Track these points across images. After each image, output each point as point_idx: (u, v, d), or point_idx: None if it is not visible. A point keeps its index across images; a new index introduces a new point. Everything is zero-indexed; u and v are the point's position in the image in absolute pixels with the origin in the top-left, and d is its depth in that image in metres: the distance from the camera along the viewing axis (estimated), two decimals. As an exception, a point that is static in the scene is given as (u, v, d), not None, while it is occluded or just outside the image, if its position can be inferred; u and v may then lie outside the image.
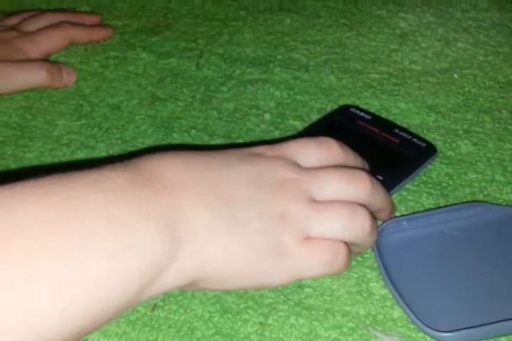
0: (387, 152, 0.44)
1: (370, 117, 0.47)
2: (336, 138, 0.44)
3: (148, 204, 0.29)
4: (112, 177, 0.30)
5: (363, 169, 0.38)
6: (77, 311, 0.26)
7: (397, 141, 0.44)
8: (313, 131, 0.46)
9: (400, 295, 0.34)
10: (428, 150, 0.44)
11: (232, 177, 0.33)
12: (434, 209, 0.41)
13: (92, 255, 0.27)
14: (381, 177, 0.41)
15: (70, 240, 0.27)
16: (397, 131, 0.45)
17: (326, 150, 0.36)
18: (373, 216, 0.35)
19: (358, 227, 0.34)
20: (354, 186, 0.35)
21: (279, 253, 0.32)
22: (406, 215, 0.40)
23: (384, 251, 0.37)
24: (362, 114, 0.47)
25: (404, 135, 0.45)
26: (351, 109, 0.47)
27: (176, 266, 0.29)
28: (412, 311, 0.33)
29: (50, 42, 0.55)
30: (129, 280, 0.28)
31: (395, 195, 0.42)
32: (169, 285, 0.30)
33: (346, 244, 0.35)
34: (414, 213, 0.40)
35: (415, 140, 0.45)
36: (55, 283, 0.26)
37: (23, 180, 0.29)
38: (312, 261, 0.33)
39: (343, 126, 0.46)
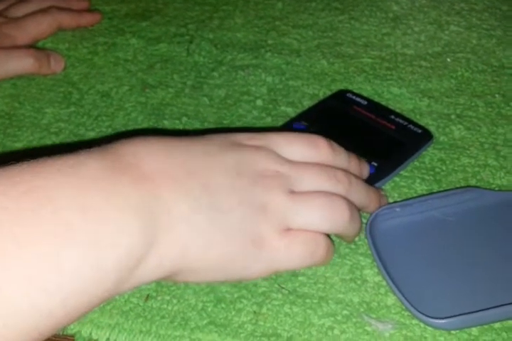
0: (382, 138, 0.43)
1: (366, 102, 0.46)
2: (332, 123, 0.44)
3: (125, 192, 0.28)
4: (88, 164, 0.29)
5: (352, 170, 0.37)
6: (50, 303, 0.26)
7: (393, 127, 0.44)
8: (308, 116, 0.45)
9: (393, 282, 0.34)
10: (424, 137, 0.44)
11: (212, 165, 0.32)
12: (428, 194, 0.41)
13: (64, 246, 0.26)
14: (376, 164, 0.41)
15: (40, 231, 0.26)
16: (393, 116, 0.45)
17: (313, 149, 0.36)
18: (355, 207, 0.35)
19: (337, 217, 0.34)
20: (332, 182, 0.35)
21: (258, 244, 0.32)
22: (399, 201, 0.40)
23: (377, 238, 0.37)
24: (358, 99, 0.47)
25: (400, 121, 0.45)
26: (347, 94, 0.47)
27: (155, 256, 0.29)
28: (405, 298, 0.33)
29: (38, 28, 0.54)
30: (104, 272, 0.27)
31: (388, 182, 0.42)
32: (148, 277, 0.29)
33: (328, 236, 0.35)
34: (407, 199, 0.40)
35: (411, 126, 0.44)
36: (24, 274, 0.25)
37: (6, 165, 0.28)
38: (291, 253, 0.33)
39: (338, 111, 0.46)
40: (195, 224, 0.30)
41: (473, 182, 0.42)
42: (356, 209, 0.35)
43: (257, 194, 0.32)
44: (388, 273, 0.34)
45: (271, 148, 0.35)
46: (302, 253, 0.33)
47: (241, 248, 0.32)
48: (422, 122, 0.46)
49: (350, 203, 0.35)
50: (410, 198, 0.40)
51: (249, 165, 0.33)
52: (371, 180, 0.39)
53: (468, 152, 0.44)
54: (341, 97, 0.47)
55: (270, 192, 0.33)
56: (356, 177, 0.37)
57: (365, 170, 0.39)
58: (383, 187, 0.41)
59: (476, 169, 0.43)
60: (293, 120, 0.45)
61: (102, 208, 0.28)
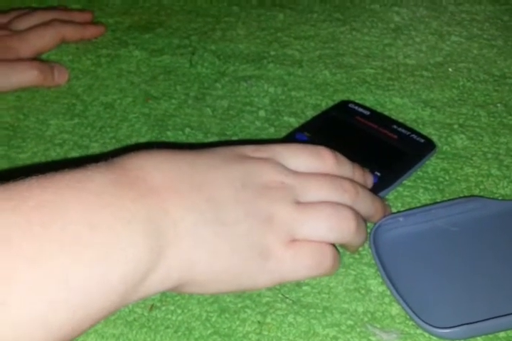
0: (385, 148, 0.44)
1: (368, 113, 0.46)
2: (335, 133, 0.45)
3: (132, 207, 0.29)
4: (95, 178, 0.29)
5: (358, 180, 0.37)
6: (57, 317, 0.26)
7: (396, 136, 0.44)
8: (311, 127, 0.45)
9: (397, 291, 0.34)
10: (427, 146, 0.44)
11: (217, 178, 0.32)
12: (431, 204, 0.41)
13: (72, 261, 0.26)
14: (379, 174, 0.41)
15: (48, 246, 0.26)
16: (395, 126, 0.45)
17: (318, 160, 0.36)
18: (361, 217, 0.35)
19: (343, 228, 0.34)
20: (339, 192, 0.35)
21: (264, 255, 0.32)
22: (403, 211, 0.40)
23: (381, 248, 0.37)
24: (360, 109, 0.47)
25: (403, 131, 0.45)
26: (350, 105, 0.47)
27: (161, 270, 0.29)
28: (410, 308, 0.33)
29: (41, 40, 0.54)
30: (111, 286, 0.27)
31: (391, 191, 0.42)
32: (154, 289, 0.30)
33: (334, 246, 0.35)
34: (410, 209, 0.40)
35: (414, 136, 0.44)
36: (33, 289, 0.25)
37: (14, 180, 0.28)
38: (297, 264, 0.33)
39: (341, 121, 0.46)
40: (201, 237, 0.30)
41: (476, 191, 0.42)
42: (362, 219, 0.35)
43: (263, 206, 0.33)
44: (392, 282, 0.34)
45: (276, 159, 0.35)
46: (308, 263, 0.34)
47: (247, 260, 0.32)
48: (425, 132, 0.46)
49: (356, 213, 0.35)
50: (414, 208, 0.40)
51: (254, 177, 0.33)
52: (374, 190, 0.39)
53: (471, 161, 0.44)
54: (344, 108, 0.47)
55: (276, 204, 0.33)
56: (362, 186, 0.37)
57: (369, 180, 0.39)
58: (386, 196, 0.41)
59: (479, 178, 0.43)
60: (296, 131, 0.45)
61: (109, 223, 0.28)
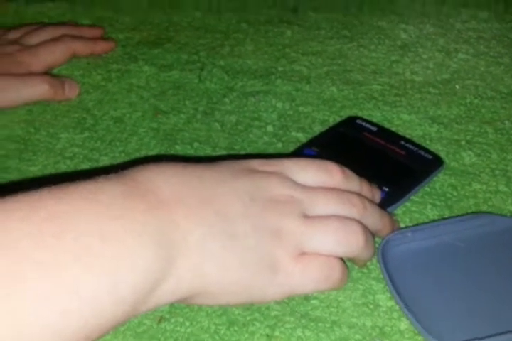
0: (393, 164, 0.44)
1: (376, 129, 0.47)
2: (342, 149, 0.45)
3: (142, 219, 0.29)
4: (106, 190, 0.30)
5: (365, 194, 0.38)
6: (68, 327, 0.26)
7: (404, 152, 0.45)
8: (319, 142, 0.46)
9: (406, 306, 0.34)
10: (435, 163, 0.44)
11: (225, 191, 0.33)
12: (439, 220, 0.41)
13: (83, 271, 0.27)
14: (387, 189, 0.41)
15: (60, 256, 0.26)
16: (403, 142, 0.45)
17: (326, 174, 0.36)
18: (369, 231, 0.35)
19: (351, 242, 0.34)
20: (347, 206, 0.35)
21: (273, 269, 0.32)
22: (411, 227, 0.40)
23: (389, 263, 0.37)
24: (368, 125, 0.47)
25: (411, 147, 0.45)
26: (357, 121, 0.48)
27: (171, 281, 0.29)
28: (418, 322, 0.33)
29: (52, 55, 0.55)
30: (121, 296, 0.27)
31: (399, 207, 0.42)
32: (164, 300, 0.30)
33: (342, 260, 0.35)
34: (419, 224, 0.40)
35: (422, 152, 0.45)
36: (43, 298, 0.25)
37: (24, 191, 0.28)
38: (306, 278, 0.33)
39: (349, 137, 0.46)
40: (210, 250, 0.31)
41: (484, 207, 0.42)
42: (370, 233, 0.36)
43: (271, 219, 0.33)
44: (401, 297, 0.34)
45: (284, 174, 0.35)
46: (317, 277, 0.34)
47: (256, 273, 0.32)
48: (432, 148, 0.46)
49: (364, 227, 0.35)
50: (422, 223, 0.41)
51: (263, 191, 0.34)
52: (382, 205, 0.39)
53: (479, 178, 0.44)
54: (351, 124, 0.48)
55: (284, 218, 0.33)
56: (369, 201, 0.37)
57: (377, 195, 0.39)
58: (394, 212, 0.41)
59: (488, 195, 0.43)
60: (303, 146, 0.46)
61: (120, 235, 0.28)
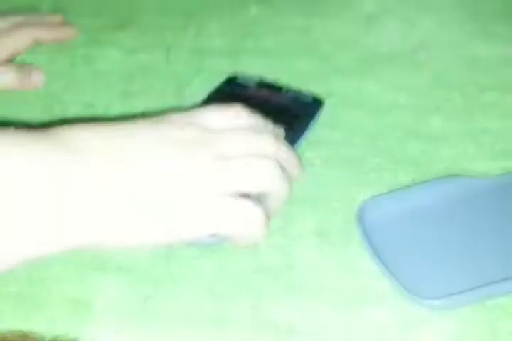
0: (279, 111, 0.46)
1: (257, 82, 0.49)
2: None
3: (45, 152, 0.31)
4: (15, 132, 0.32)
5: (272, 131, 0.39)
6: None
7: (286, 99, 0.47)
8: (208, 103, 0.46)
9: (386, 267, 0.35)
10: (316, 104, 0.47)
11: (135, 141, 0.34)
12: (412, 185, 0.42)
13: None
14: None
15: None
16: (284, 90, 0.48)
17: (234, 115, 0.38)
18: (283, 168, 0.37)
19: (267, 175, 0.35)
20: (260, 142, 0.37)
21: (184, 207, 0.33)
22: (385, 193, 0.41)
23: (368, 228, 0.37)
24: (249, 80, 0.49)
25: (292, 93, 0.48)
26: (238, 78, 0.50)
27: (64, 218, 0.30)
28: (398, 281, 0.34)
29: (15, 42, 0.54)
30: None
31: (372, 174, 0.43)
32: (59, 242, 0.31)
33: (261, 208, 0.35)
34: (392, 191, 0.41)
35: (302, 96, 0.48)
36: None
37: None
38: (229, 215, 0.34)
39: (234, 94, 0.48)
40: (113, 192, 0.32)
41: (454, 171, 0.43)
42: (285, 169, 0.37)
43: (183, 160, 0.34)
44: (380, 259, 0.35)
45: (197, 121, 0.37)
46: (240, 216, 0.34)
47: (155, 213, 0.33)
48: (401, 116, 0.47)
49: (279, 162, 0.36)
50: (396, 190, 0.41)
51: (176, 137, 0.35)
52: None
53: (448, 142, 0.45)
54: (233, 82, 0.50)
55: (197, 157, 0.34)
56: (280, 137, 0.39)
57: (281, 132, 0.41)
58: None
59: (457, 158, 0.44)
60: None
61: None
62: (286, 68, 0.53)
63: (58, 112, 0.49)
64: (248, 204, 0.34)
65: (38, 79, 0.52)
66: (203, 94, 0.50)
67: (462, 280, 0.34)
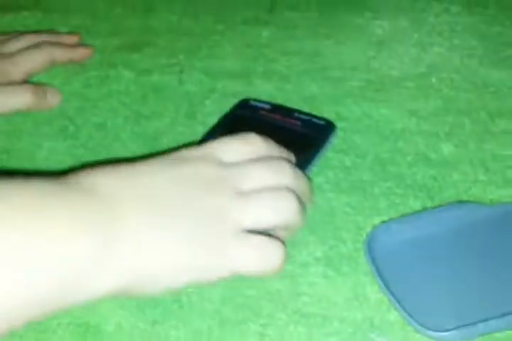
0: (292, 135, 0.46)
1: (269, 106, 0.49)
2: (243, 130, 0.45)
3: (76, 207, 0.30)
4: (42, 182, 0.31)
5: (286, 159, 0.39)
6: None
7: (299, 123, 0.47)
8: (220, 128, 0.48)
9: (394, 297, 0.35)
10: (328, 127, 0.48)
11: (159, 182, 0.34)
12: (422, 211, 0.42)
13: (13, 245, 0.28)
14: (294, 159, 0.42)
15: None
16: (296, 114, 0.48)
17: (248, 145, 0.38)
18: (299, 198, 0.37)
19: (285, 208, 0.35)
20: (277, 173, 0.37)
21: (214, 249, 0.33)
22: (395, 219, 0.41)
23: (376, 255, 0.37)
24: (261, 104, 0.49)
25: (304, 117, 0.48)
26: (250, 102, 0.50)
27: (106, 269, 0.30)
28: (407, 312, 0.34)
29: (32, 62, 0.55)
30: (48, 274, 0.28)
31: (382, 200, 0.43)
32: (100, 290, 0.30)
33: (282, 241, 0.35)
34: (402, 216, 0.41)
35: (314, 120, 0.48)
36: None
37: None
38: (245, 255, 0.34)
39: (246, 118, 0.49)
40: (145, 237, 0.32)
41: (464, 197, 0.43)
42: (301, 200, 0.37)
43: (207, 201, 0.34)
44: (389, 289, 0.35)
45: (211, 155, 0.37)
46: (256, 256, 0.34)
47: (196, 254, 0.33)
48: (412, 141, 0.47)
49: (296, 193, 0.36)
50: (406, 215, 0.41)
51: (192, 176, 0.35)
52: None
53: (458, 168, 0.45)
54: (245, 106, 0.50)
55: (219, 197, 0.34)
56: (295, 166, 0.39)
57: (293, 159, 0.41)
58: None
59: (467, 184, 0.44)
60: (206, 135, 0.47)
61: (51, 219, 0.29)
62: (297, 91, 0.53)
63: (71, 133, 0.50)
64: (265, 239, 0.34)
65: (53, 99, 0.53)
66: (215, 115, 0.51)
67: (472, 312, 0.34)
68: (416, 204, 0.42)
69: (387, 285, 0.35)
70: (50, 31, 0.61)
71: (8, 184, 0.30)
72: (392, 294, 0.35)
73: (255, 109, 0.49)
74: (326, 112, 0.50)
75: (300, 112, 0.49)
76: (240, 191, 0.35)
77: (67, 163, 0.47)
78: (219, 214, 0.34)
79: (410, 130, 0.49)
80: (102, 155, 0.48)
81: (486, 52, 0.57)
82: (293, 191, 0.36)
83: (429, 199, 0.43)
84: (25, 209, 0.29)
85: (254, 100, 0.50)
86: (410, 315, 0.34)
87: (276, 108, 0.49)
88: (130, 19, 0.64)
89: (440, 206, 0.42)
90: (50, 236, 0.29)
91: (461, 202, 0.42)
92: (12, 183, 0.30)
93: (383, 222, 0.40)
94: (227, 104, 0.52)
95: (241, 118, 0.49)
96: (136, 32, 0.62)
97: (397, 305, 0.34)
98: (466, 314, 0.34)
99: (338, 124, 0.49)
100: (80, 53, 0.58)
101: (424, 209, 0.42)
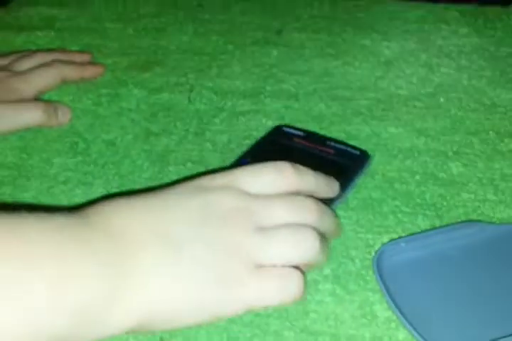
0: (326, 164, 0.46)
1: (303, 133, 0.49)
2: (276, 156, 0.44)
3: (88, 245, 0.30)
4: (58, 218, 0.31)
5: (312, 197, 0.37)
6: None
7: (333, 152, 0.47)
8: (253, 153, 0.47)
9: (404, 316, 0.34)
10: (363, 157, 0.47)
11: (174, 217, 0.33)
12: (431, 230, 0.41)
13: (27, 282, 0.27)
14: None
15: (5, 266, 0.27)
16: (330, 142, 0.48)
17: (279, 176, 0.36)
18: (323, 236, 0.36)
19: (306, 249, 0.34)
20: (302, 211, 0.35)
21: (229, 284, 0.32)
22: (404, 237, 0.41)
23: (385, 274, 0.37)
24: (296, 131, 0.49)
25: (338, 146, 0.47)
26: (284, 129, 0.50)
27: (116, 311, 0.29)
28: (417, 332, 0.33)
29: (43, 80, 0.55)
30: (60, 312, 0.28)
31: (391, 218, 0.43)
32: (116, 327, 0.30)
33: (300, 270, 0.34)
34: (411, 234, 0.41)
35: (349, 149, 0.47)
36: None
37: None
38: (263, 290, 0.33)
39: (280, 145, 0.48)
40: (159, 277, 0.31)
41: (474, 216, 0.43)
42: (324, 237, 0.36)
43: (224, 236, 0.33)
44: (398, 307, 0.35)
45: (235, 185, 0.35)
46: (274, 289, 0.33)
47: (211, 291, 0.32)
48: (420, 160, 0.47)
49: (318, 232, 0.35)
50: (414, 233, 0.41)
51: (214, 207, 0.34)
52: (325, 204, 0.40)
53: (467, 187, 0.45)
54: (279, 132, 0.49)
55: (237, 232, 0.33)
56: (323, 204, 0.37)
57: (335, 186, 0.40)
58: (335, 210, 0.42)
59: (476, 204, 0.44)
60: (240, 158, 0.47)
61: (65, 255, 0.29)
62: (306, 110, 0.54)
63: (81, 150, 0.50)
64: (282, 270, 0.33)
65: (64, 116, 0.53)
66: (224, 134, 0.51)
67: (482, 330, 0.34)
68: (425, 223, 0.42)
69: (396, 303, 0.35)
70: (62, 50, 0.62)
71: (23, 219, 0.30)
72: (402, 313, 0.35)
73: (289, 135, 0.49)
74: (335, 131, 0.51)
75: (334, 141, 0.48)
76: (260, 226, 0.34)
77: (77, 179, 0.47)
78: (236, 250, 0.33)
79: (419, 149, 0.49)
80: (112, 172, 0.48)
81: (494, 73, 0.57)
82: (317, 229, 0.35)
83: (438, 218, 0.43)
84: (39, 247, 0.29)
85: (288, 127, 0.50)
86: (420, 334, 0.33)
87: (310, 135, 0.49)
88: (141, 39, 0.65)
89: (449, 225, 0.42)
90: (62, 274, 0.28)
91: (470, 221, 0.42)
92: (26, 218, 0.30)
93: (392, 239, 0.40)
94: (236, 123, 0.53)
95: (274, 145, 0.48)
96: (147, 51, 0.63)
97: (406, 323, 0.34)
98: (475, 334, 0.34)
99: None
100: (90, 71, 0.59)
101: (433, 227, 0.42)
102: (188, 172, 0.48)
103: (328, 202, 0.40)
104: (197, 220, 0.33)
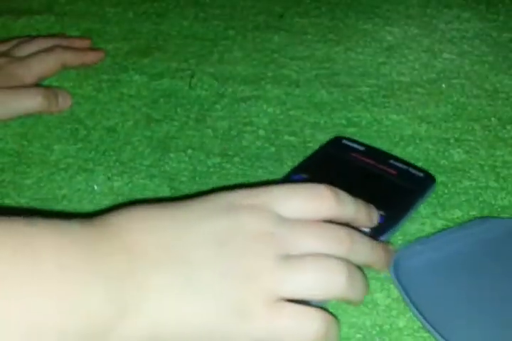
0: (386, 185, 0.42)
1: (363, 148, 0.45)
2: (332, 172, 0.43)
3: (101, 260, 0.29)
4: (74, 227, 0.30)
5: (348, 227, 0.34)
6: None
7: (395, 172, 0.43)
8: (307, 166, 0.44)
9: (425, 318, 0.33)
10: (427, 180, 0.43)
11: (193, 237, 0.31)
12: (445, 229, 0.41)
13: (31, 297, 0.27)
14: (383, 213, 0.39)
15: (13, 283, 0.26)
16: (392, 161, 0.44)
17: (316, 202, 0.33)
18: (356, 268, 0.33)
19: (331, 284, 0.31)
20: (332, 243, 0.32)
21: (241, 315, 0.30)
22: (418, 239, 0.40)
23: (403, 278, 0.36)
24: (355, 145, 0.45)
25: (401, 165, 0.44)
26: (343, 141, 0.46)
27: (122, 330, 0.28)
28: (441, 335, 0.33)
29: (43, 66, 0.55)
30: (63, 334, 0.27)
31: (397, 231, 0.41)
32: None
33: (327, 311, 0.32)
34: (426, 236, 0.40)
35: (412, 170, 0.43)
36: None
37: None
38: (275, 328, 0.30)
39: (337, 159, 0.44)
40: (168, 298, 0.30)
41: (475, 203, 0.43)
42: (357, 270, 0.33)
43: (244, 263, 0.31)
44: (419, 310, 0.34)
45: (268, 205, 0.33)
46: (287, 329, 0.30)
47: (219, 320, 0.30)
48: (422, 147, 0.47)
49: (349, 265, 0.32)
50: (429, 235, 0.40)
51: (239, 230, 0.32)
52: (380, 231, 0.38)
53: (468, 175, 0.45)
54: (338, 144, 0.46)
55: (259, 259, 0.31)
56: (360, 234, 0.34)
57: (375, 216, 0.37)
58: (391, 238, 0.40)
59: (478, 191, 0.44)
60: (292, 171, 0.44)
61: (74, 269, 0.28)
62: (306, 96, 0.53)
63: (82, 136, 0.50)
64: (301, 309, 0.31)
65: (65, 102, 0.53)
66: (225, 120, 0.51)
67: (503, 333, 0.33)
68: (426, 211, 0.42)
69: (416, 306, 0.34)
70: (62, 35, 0.62)
71: (33, 226, 0.29)
72: (422, 315, 0.34)
73: (347, 149, 0.45)
74: (336, 118, 0.51)
75: (397, 159, 0.44)
76: (286, 254, 0.31)
77: (78, 166, 0.47)
78: (254, 278, 0.30)
79: (420, 136, 0.49)
80: (113, 159, 0.48)
81: (496, 58, 0.57)
82: (348, 263, 0.32)
83: (439, 206, 0.43)
84: (49, 262, 0.28)
85: (348, 139, 0.46)
86: (444, 337, 0.33)
87: (371, 151, 0.45)
88: (141, 24, 0.64)
89: (461, 224, 0.41)
90: (69, 293, 0.28)
91: (481, 217, 0.41)
92: (37, 226, 0.29)
93: (407, 243, 0.39)
94: (237, 109, 0.52)
95: (331, 158, 0.44)
96: (148, 36, 0.63)
97: (428, 325, 0.33)
98: (499, 333, 0.33)
99: (348, 130, 0.49)
100: (91, 57, 0.58)
101: (434, 215, 0.42)
102: (188, 159, 0.47)
103: (378, 232, 0.37)
104: (217, 244, 0.31)
